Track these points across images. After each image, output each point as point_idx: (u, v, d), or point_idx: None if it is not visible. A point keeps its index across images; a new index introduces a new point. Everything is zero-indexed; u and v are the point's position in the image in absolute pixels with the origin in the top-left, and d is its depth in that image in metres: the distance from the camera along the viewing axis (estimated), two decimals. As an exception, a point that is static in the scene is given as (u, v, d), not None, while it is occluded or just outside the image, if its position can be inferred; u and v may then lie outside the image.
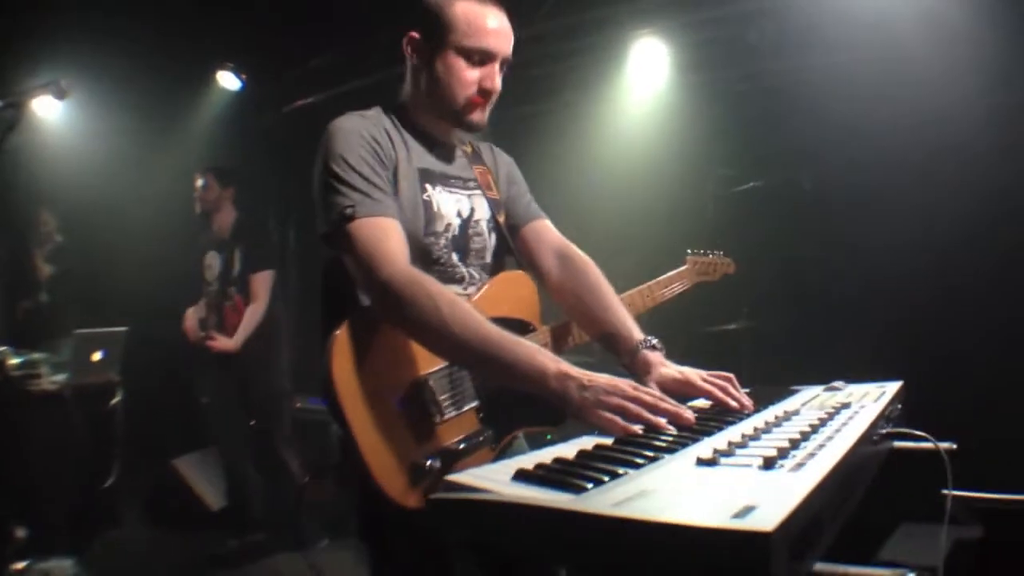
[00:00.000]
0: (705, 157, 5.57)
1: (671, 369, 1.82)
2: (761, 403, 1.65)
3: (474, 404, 1.93)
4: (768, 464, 1.02)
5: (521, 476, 1.11)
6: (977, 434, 2.23)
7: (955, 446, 1.63)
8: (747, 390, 1.91)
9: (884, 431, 1.52)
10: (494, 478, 1.13)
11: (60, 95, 2.76)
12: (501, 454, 1.95)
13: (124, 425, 5.28)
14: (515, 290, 2.15)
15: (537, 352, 1.60)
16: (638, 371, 1.87)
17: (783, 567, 0.80)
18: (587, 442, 1.37)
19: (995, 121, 4.22)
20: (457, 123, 2.04)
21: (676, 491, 0.96)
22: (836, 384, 1.86)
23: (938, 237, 4.41)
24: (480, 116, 2.01)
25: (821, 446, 1.14)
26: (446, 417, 1.88)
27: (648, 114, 5.93)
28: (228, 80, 6.75)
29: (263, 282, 4.96)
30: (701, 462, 1.09)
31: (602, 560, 0.90)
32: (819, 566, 0.97)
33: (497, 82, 1.98)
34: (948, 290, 4.40)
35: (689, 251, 2.78)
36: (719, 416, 1.53)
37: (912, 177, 4.53)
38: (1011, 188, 4.21)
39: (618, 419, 1.42)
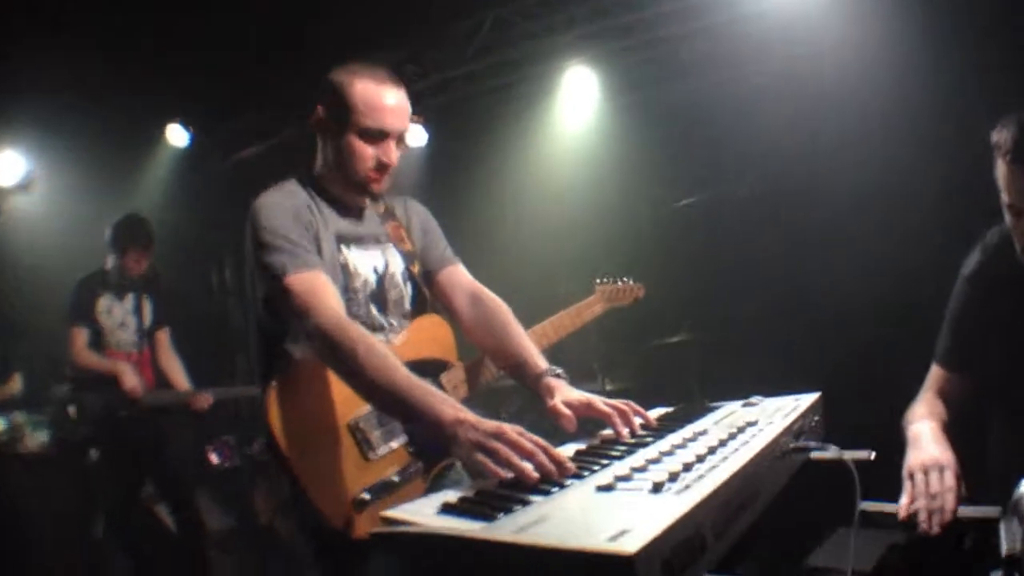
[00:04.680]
0: (638, 178, 5.74)
1: (574, 393, 1.95)
2: (678, 423, 1.77)
3: (403, 440, 2.10)
4: (657, 488, 1.15)
5: (446, 508, 1.24)
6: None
7: (872, 455, 1.68)
8: (671, 409, 2.05)
9: (792, 445, 1.63)
10: (423, 511, 1.25)
11: (30, 188, 2.97)
12: (434, 482, 2.12)
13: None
14: (432, 332, 2.34)
15: (437, 400, 1.68)
16: (543, 396, 2.00)
17: (654, 581, 0.92)
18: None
19: (921, 130, 4.35)
20: (360, 192, 2.26)
21: (570, 517, 1.09)
22: (753, 399, 1.97)
23: (867, 243, 4.56)
24: (378, 187, 2.23)
25: (713, 467, 1.26)
26: (380, 453, 2.06)
27: (582, 140, 6.10)
28: (177, 135, 6.86)
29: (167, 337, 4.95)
30: (600, 488, 1.21)
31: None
32: (707, 577, 1.07)
33: (392, 157, 2.19)
34: (880, 293, 4.51)
35: (597, 280, 2.97)
36: (631, 441, 1.67)
37: (838, 185, 4.71)
38: (940, 194, 4.33)
39: (489, 461, 1.45)
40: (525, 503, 1.21)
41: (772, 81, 5.02)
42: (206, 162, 7.52)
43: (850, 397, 2.06)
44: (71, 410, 5.14)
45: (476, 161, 6.68)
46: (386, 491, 2.03)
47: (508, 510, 1.17)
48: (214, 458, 6.19)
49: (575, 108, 6.01)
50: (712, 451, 1.38)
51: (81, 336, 4.63)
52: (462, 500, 1.27)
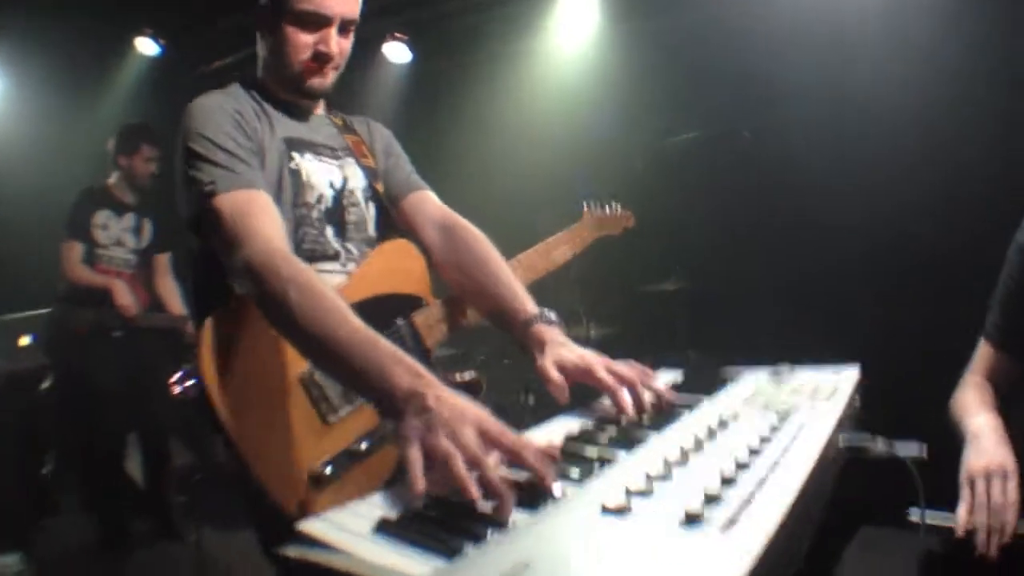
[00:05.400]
0: (635, 110, 5.30)
1: (571, 351, 1.53)
2: (694, 398, 1.42)
3: None
4: (692, 520, 0.79)
5: (385, 528, 0.88)
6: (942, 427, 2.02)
7: (925, 452, 1.36)
8: (680, 371, 1.72)
9: (845, 443, 1.28)
10: (355, 528, 0.90)
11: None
12: None
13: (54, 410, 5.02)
14: (401, 262, 1.95)
15: (391, 359, 1.23)
16: (531, 349, 1.61)
17: None
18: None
19: (959, 92, 3.88)
20: (297, 91, 1.89)
21: (562, 566, 0.72)
22: (782, 369, 1.64)
23: (891, 199, 4.10)
24: (319, 82, 1.87)
25: (762, 481, 0.91)
26: (341, 415, 1.68)
27: (577, 65, 5.62)
28: (146, 46, 6.56)
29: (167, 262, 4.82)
30: (608, 511, 0.85)
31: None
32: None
33: (333, 45, 1.83)
34: (902, 253, 4.09)
35: (586, 203, 2.62)
36: (640, 424, 1.32)
37: (858, 134, 4.25)
38: (993, 147, 3.85)
39: (418, 464, 1.02)
40: (502, 525, 0.86)
41: (784, 19, 4.56)
42: (177, 73, 7.09)
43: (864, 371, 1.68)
44: (24, 340, 5.01)
45: (462, 82, 6.21)
46: (351, 462, 1.64)
47: (477, 538, 0.82)
48: (176, 387, 5.91)
49: (572, 30, 5.51)
50: (755, 452, 1.03)
51: (74, 250, 4.44)
52: (409, 517, 0.91)
